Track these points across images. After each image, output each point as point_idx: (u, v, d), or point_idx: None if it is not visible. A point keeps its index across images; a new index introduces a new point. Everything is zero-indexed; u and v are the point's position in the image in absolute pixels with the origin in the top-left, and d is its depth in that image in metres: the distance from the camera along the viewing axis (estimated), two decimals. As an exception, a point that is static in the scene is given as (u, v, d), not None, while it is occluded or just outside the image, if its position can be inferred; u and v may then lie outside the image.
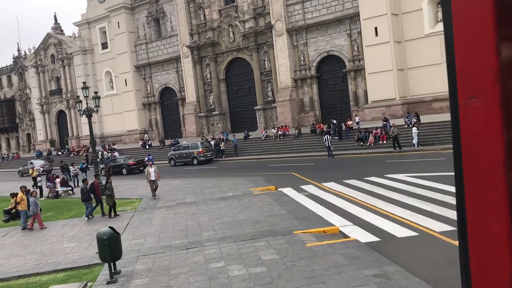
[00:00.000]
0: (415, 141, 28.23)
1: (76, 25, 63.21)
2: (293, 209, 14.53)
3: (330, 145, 29.84)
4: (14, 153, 68.13)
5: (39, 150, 62.09)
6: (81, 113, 22.98)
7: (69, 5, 76.01)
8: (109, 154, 43.43)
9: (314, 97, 44.27)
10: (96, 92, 22.92)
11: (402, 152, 28.03)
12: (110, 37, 59.45)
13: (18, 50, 73.40)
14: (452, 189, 14.80)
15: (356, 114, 38.72)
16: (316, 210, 14.51)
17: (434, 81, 36.57)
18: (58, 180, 24.73)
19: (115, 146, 48.39)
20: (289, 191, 18.78)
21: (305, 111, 44.73)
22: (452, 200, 13.38)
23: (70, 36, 64.66)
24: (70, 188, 24.63)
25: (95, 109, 22.87)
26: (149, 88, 56.91)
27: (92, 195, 17.58)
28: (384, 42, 37.78)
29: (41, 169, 38.66)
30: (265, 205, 15.70)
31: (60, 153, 55.74)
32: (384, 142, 30.65)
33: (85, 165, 32.43)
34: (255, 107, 47.11)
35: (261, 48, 46.65)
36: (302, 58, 44.09)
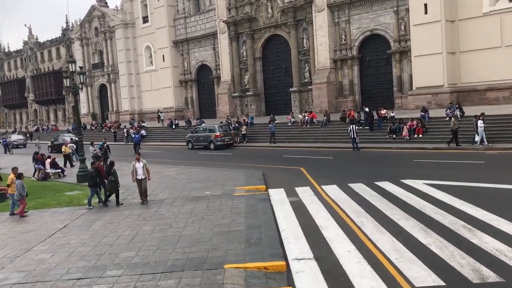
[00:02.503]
0: (478, 137, 23.33)
1: (119, -2, 61.92)
2: (257, 225, 11.50)
3: (355, 136, 26.15)
4: (52, 125, 68.83)
5: (73, 124, 61.97)
6: (67, 90, 20.87)
7: (115, -24, 74.89)
8: (135, 131, 41.64)
9: (355, 80, 40.16)
10: (81, 67, 20.66)
11: (460, 149, 23.56)
12: (150, 10, 57.66)
13: (67, 22, 73.65)
14: (483, 215, 11.40)
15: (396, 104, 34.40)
16: (285, 228, 11.43)
17: (490, 68, 31.71)
18: (48, 161, 22.97)
19: (144, 124, 46.74)
20: (277, 194, 15.74)
21: (344, 95, 40.75)
22: (475, 239, 9.90)
23: (113, 9, 63.53)
24: (60, 170, 22.79)
25: (80, 86, 20.63)
26: (186, 65, 54.76)
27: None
28: (434, 21, 33.00)
29: (74, 146, 30.45)
30: (230, 214, 12.76)
31: (94, 128, 54.97)
32: (420, 136, 26.48)
33: (105, 145, 28.28)
34: (290, 89, 43.69)
35: (300, 25, 42.90)
36: (343, 36, 39.93)
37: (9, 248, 11.00)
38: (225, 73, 49.17)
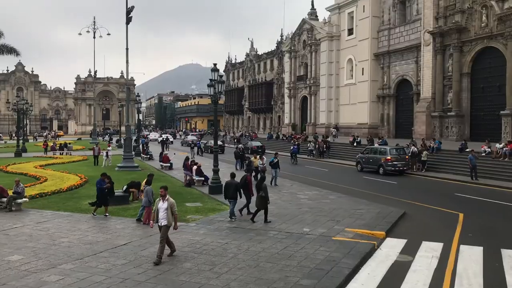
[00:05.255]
0: None
1: (328, 10, 61.56)
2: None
3: None
4: (253, 132, 72.48)
5: (270, 133, 63.98)
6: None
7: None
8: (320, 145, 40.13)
9: None
10: (221, 76, 19.63)
11: None
12: (356, 22, 55.64)
13: (281, 36, 77.08)
14: None
15: None
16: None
17: None
18: (194, 167, 23.07)
19: (328, 139, 44.84)
20: (390, 247, 12.07)
21: None
22: None
23: (322, 22, 63.58)
24: (204, 178, 22.62)
25: (219, 96, 19.82)
26: (385, 79, 50.87)
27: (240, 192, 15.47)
28: None
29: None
30: (293, 267, 9.91)
31: (285, 138, 55.55)
32: None
33: (275, 160, 23.82)
34: (501, 112, 36.04)
35: (521, 35, 35.07)
36: None
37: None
38: (426, 89, 43.76)
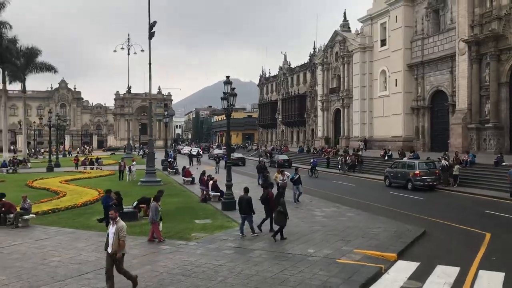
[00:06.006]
0: None
1: (360, 21, 60.47)
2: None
3: None
4: (284, 146, 71.56)
5: (301, 146, 62.92)
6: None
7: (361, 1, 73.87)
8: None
9: None
10: (233, 89, 19.00)
11: None
12: (388, 33, 54.28)
13: (314, 48, 76.33)
14: None
15: None
16: None
17: None
18: (211, 182, 22.53)
19: (359, 153, 43.47)
20: (398, 271, 11.08)
21: None
22: None
23: (354, 33, 62.50)
24: (220, 194, 22.03)
25: (231, 109, 19.20)
26: (419, 90, 49.09)
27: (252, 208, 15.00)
28: None
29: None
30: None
31: (315, 152, 54.43)
32: None
33: (296, 176, 22.14)
34: (543, 123, 33.91)
35: (563, 41, 32.99)
36: None
37: None
38: (461, 100, 41.84)
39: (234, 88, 19.24)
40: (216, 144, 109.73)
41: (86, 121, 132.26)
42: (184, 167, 32.72)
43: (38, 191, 26.17)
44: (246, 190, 15.44)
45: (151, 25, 29.98)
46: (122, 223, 9.46)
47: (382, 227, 15.86)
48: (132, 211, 17.92)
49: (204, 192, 22.73)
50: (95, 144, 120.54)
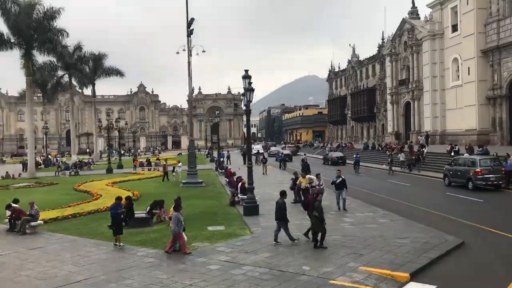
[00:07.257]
0: None
1: (429, 7, 55.93)
2: None
3: None
4: (348, 142, 68.33)
5: (366, 143, 59.50)
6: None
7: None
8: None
9: None
10: (250, 83, 17.34)
11: None
12: (460, 17, 49.61)
13: (382, 39, 72.32)
14: None
15: None
16: None
17: None
18: (239, 185, 21.13)
19: (424, 150, 39.83)
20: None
21: None
22: None
23: (423, 20, 58.06)
24: (247, 197, 20.55)
25: (244, 110, 17.56)
26: (495, 78, 44.18)
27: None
28: None
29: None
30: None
31: (380, 148, 51.08)
32: None
33: (338, 180, 19.00)
34: None
35: None
36: None
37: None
38: (544, 88, 36.96)
39: (251, 83, 17.72)
40: (284, 142, 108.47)
41: (163, 123, 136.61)
42: (226, 167, 31.68)
43: (78, 194, 26.38)
44: (282, 193, 14.07)
45: (189, 23, 29.24)
46: None
47: (411, 237, 13.58)
48: (146, 217, 17.06)
49: (234, 195, 21.43)
50: (169, 145, 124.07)
